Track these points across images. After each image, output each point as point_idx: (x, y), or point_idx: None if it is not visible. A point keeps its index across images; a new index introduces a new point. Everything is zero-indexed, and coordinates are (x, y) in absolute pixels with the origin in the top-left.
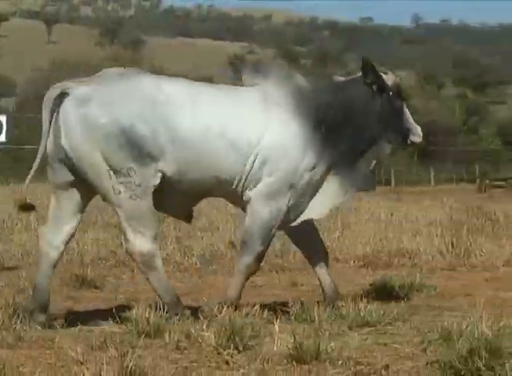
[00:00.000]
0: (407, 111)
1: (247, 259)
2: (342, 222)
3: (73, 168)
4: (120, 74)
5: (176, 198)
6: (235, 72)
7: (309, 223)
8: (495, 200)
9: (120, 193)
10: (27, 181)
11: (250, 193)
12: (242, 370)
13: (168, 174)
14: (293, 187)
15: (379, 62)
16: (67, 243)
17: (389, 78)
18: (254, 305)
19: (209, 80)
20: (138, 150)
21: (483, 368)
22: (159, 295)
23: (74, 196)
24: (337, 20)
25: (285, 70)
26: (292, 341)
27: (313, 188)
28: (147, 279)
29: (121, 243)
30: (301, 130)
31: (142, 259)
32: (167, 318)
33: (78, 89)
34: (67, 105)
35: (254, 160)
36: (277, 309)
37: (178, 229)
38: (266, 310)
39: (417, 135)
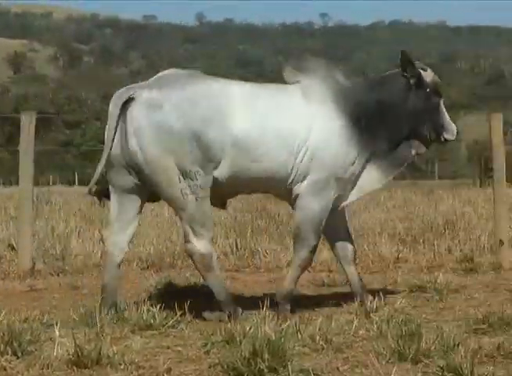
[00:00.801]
0: (443, 108)
1: (303, 253)
2: None
3: (139, 171)
4: (186, 78)
5: (224, 194)
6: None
7: (344, 221)
8: (279, 200)
9: (187, 196)
10: (92, 183)
11: (299, 189)
12: None
13: (223, 177)
14: (339, 180)
15: (162, 60)
16: (130, 243)
17: (428, 75)
18: (34, 310)
19: None
20: (206, 153)
21: (266, 370)
22: (215, 294)
23: (137, 198)
24: (119, 17)
25: (326, 67)
26: (73, 345)
27: (355, 178)
28: (204, 279)
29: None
30: (344, 126)
31: (203, 260)
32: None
33: (147, 93)
34: (137, 110)
35: (303, 157)
36: (58, 312)
37: None
38: (47, 314)
39: (451, 132)
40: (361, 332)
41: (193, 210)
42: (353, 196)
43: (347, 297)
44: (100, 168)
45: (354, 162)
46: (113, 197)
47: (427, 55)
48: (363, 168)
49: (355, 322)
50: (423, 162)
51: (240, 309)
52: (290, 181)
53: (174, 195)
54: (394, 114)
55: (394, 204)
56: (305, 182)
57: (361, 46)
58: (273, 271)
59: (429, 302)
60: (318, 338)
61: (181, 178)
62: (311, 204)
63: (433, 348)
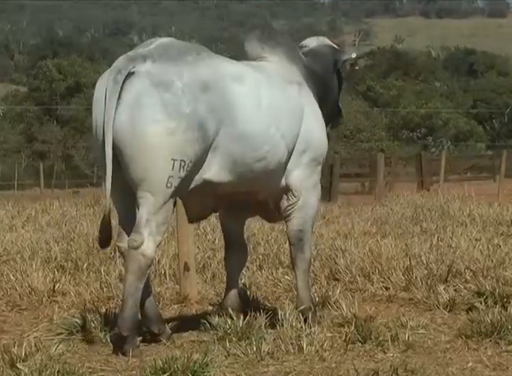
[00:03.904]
0: None
1: (308, 254)
2: None
3: (117, 151)
4: (194, 52)
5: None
6: None
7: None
8: None
9: (171, 186)
10: (108, 191)
11: (299, 188)
12: None
13: (218, 178)
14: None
15: None
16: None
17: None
18: None
19: None
20: (204, 144)
21: None
22: (124, 307)
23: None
24: None
25: (290, 43)
26: None
27: None
28: (126, 283)
29: None
30: (318, 108)
31: (141, 262)
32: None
33: (152, 66)
34: (140, 84)
35: (298, 149)
36: None
37: None
38: None
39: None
40: None
41: (162, 204)
42: None
43: None
44: (109, 166)
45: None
46: (115, 197)
47: None
48: None
49: None
50: (88, 167)
51: (138, 340)
52: (285, 177)
53: (154, 178)
54: (331, 86)
55: (48, 221)
56: (305, 179)
57: None
58: None
59: (95, 347)
60: None
61: (175, 165)
62: (313, 200)
63: None
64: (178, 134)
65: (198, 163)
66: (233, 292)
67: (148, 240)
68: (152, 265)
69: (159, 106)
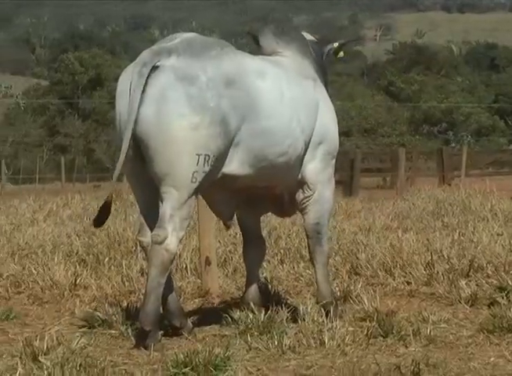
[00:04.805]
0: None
1: (326, 247)
2: None
3: (141, 144)
4: (218, 47)
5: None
6: None
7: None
8: None
9: (195, 181)
10: (115, 177)
11: (314, 182)
12: None
13: (234, 170)
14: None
15: None
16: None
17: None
18: None
19: None
20: (226, 139)
21: None
22: (146, 302)
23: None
24: None
25: (302, 37)
26: None
27: None
28: (148, 278)
29: None
30: (331, 103)
31: (165, 257)
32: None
33: (177, 61)
34: (166, 78)
35: (313, 143)
36: None
37: None
38: None
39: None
40: None
41: (186, 198)
42: None
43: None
44: (122, 156)
45: None
46: (137, 192)
47: None
48: None
49: (19, 368)
50: (110, 160)
51: (160, 334)
52: (301, 171)
53: (179, 173)
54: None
55: (70, 215)
56: (321, 173)
57: None
58: None
59: (117, 341)
60: None
61: (200, 160)
62: (328, 194)
63: None
64: (202, 128)
65: (221, 158)
66: (254, 286)
67: (172, 235)
68: (174, 259)
69: (184, 101)
